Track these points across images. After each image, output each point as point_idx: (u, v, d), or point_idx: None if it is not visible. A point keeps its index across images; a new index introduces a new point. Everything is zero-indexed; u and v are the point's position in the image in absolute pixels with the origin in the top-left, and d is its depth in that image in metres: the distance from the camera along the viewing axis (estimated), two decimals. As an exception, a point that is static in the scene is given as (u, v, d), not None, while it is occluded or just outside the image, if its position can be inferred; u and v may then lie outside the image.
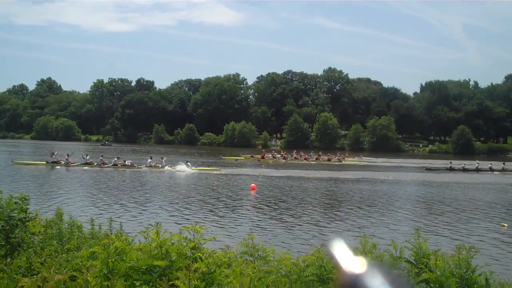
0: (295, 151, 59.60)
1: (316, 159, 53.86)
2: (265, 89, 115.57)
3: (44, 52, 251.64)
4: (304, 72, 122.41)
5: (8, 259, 4.73)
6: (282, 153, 58.22)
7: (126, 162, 37.85)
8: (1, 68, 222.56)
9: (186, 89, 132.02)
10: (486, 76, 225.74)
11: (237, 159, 51.66)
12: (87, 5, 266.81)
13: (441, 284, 4.00)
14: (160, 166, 37.11)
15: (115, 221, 8.54)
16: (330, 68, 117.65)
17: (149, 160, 38.32)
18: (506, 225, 16.52)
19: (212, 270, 4.05)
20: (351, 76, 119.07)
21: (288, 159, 53.83)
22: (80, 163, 37.68)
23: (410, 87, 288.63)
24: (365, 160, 58.36)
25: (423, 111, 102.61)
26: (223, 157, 53.48)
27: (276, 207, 19.93)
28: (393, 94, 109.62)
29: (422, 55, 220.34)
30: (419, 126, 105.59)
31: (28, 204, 5.45)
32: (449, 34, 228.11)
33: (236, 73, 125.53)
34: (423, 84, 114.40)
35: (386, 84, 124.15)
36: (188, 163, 36.66)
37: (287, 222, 16.47)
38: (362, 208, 20.15)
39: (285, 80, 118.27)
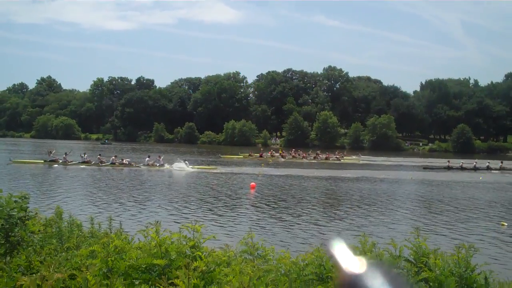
0: (293, 149, 59.62)
1: (314, 157, 53.84)
2: (265, 87, 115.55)
3: (44, 50, 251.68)
4: (304, 70, 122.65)
5: (8, 258, 4.73)
6: (280, 151, 58.19)
7: (124, 160, 37.89)
8: (1, 67, 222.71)
9: (186, 87, 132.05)
10: (486, 74, 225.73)
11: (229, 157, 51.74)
12: (87, 3, 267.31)
13: (440, 283, 4.00)
14: (158, 164, 37.12)
15: (115, 220, 8.54)
16: (330, 66, 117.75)
17: (147, 158, 38.32)
18: (506, 224, 16.52)
19: (212, 269, 4.05)
20: (351, 75, 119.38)
21: (286, 157, 53.83)
22: (77, 161, 37.70)
23: (410, 85, 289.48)
24: (363, 158, 58.40)
25: (423, 109, 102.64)
26: (221, 156, 53.54)
27: (276, 206, 19.93)
28: (393, 92, 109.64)
29: (422, 53, 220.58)
30: (419, 125, 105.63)
31: (28, 203, 5.45)
32: (449, 32, 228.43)
33: (236, 71, 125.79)
34: (423, 83, 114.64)
35: (386, 82, 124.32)
36: (186, 162, 36.68)
37: (286, 221, 16.48)
38: (362, 207, 20.16)
39: (285, 78, 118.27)
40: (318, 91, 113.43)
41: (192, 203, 20.12)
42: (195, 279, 3.60)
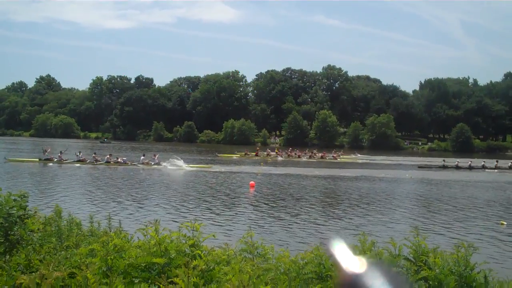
0: (290, 148, 59.70)
1: (310, 156, 53.86)
2: (264, 86, 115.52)
3: (43, 49, 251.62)
4: (303, 69, 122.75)
5: (7, 256, 4.73)
6: (276, 150, 58.16)
7: (119, 159, 37.95)
8: (0, 65, 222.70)
9: (185, 86, 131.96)
10: (486, 74, 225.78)
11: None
12: (86, 2, 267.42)
13: (440, 282, 4.00)
14: (152, 163, 37.11)
15: (114, 218, 8.54)
16: (329, 65, 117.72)
17: (142, 157, 38.31)
18: (505, 223, 16.53)
19: (211, 267, 4.05)
20: (350, 74, 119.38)
21: (282, 156, 53.83)
22: (72, 160, 37.72)
23: (409, 84, 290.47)
24: (360, 157, 58.44)
25: (422, 108, 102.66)
26: (218, 155, 53.62)
27: (275, 204, 19.92)
28: (392, 91, 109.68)
29: (421, 52, 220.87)
30: (418, 124, 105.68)
31: (27, 201, 5.44)
32: (448, 31, 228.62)
33: (235, 70, 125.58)
34: (422, 82, 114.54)
35: (385, 81, 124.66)
36: (177, 159, 36.85)
37: (286, 220, 16.48)
38: (361, 206, 20.16)
39: (284, 77, 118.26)
40: (318, 90, 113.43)
41: (191, 202, 20.11)
42: (194, 277, 3.60)
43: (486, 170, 44.15)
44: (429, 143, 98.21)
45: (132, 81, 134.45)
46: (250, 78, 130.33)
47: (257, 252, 4.77)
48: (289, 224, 15.58)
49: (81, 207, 17.05)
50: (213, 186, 25.98)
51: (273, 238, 12.61)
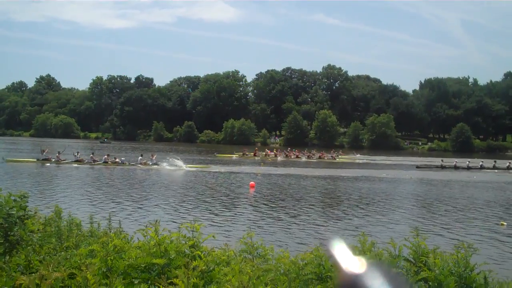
0: (289, 148, 59.84)
1: (308, 156, 53.88)
2: (264, 86, 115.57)
3: (43, 49, 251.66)
4: (303, 69, 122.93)
5: (7, 257, 4.72)
6: (274, 151, 58.15)
7: (117, 159, 38.01)
8: (0, 65, 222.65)
9: (185, 86, 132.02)
10: (486, 73, 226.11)
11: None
12: (85, 1, 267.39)
13: (440, 283, 4.00)
14: (150, 163, 37.12)
15: (114, 219, 8.53)
16: (329, 65, 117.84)
17: (140, 157, 38.34)
18: (505, 223, 16.52)
19: (211, 268, 4.05)
20: (350, 73, 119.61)
21: (281, 156, 53.80)
22: (70, 160, 37.74)
23: (409, 84, 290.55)
24: (359, 157, 58.47)
25: (422, 108, 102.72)
26: (216, 155, 53.66)
27: (275, 205, 19.92)
28: (392, 91, 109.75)
29: (421, 52, 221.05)
30: (418, 124, 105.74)
31: (27, 202, 5.44)
32: (448, 31, 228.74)
33: (235, 70, 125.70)
34: (422, 82, 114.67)
35: (385, 81, 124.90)
36: (180, 160, 36.90)
37: (286, 220, 16.48)
38: (360, 207, 20.16)
39: (284, 77, 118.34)
40: (317, 90, 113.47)
41: (191, 202, 20.10)
42: (194, 278, 3.59)
43: (484, 170, 44.18)
44: (429, 143, 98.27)
45: (132, 81, 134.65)
46: (250, 77, 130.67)
47: (257, 253, 4.77)
48: (289, 225, 15.58)
49: (80, 208, 17.02)
50: (212, 186, 25.97)
51: (273, 239, 12.61)
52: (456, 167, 44.95)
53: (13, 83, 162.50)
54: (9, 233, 4.92)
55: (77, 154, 38.64)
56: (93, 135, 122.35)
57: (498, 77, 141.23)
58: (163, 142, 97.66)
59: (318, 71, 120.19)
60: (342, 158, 56.08)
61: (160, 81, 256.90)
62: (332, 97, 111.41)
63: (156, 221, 4.50)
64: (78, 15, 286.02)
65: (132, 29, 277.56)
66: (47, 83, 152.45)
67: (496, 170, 44.19)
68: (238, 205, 19.92)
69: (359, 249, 4.43)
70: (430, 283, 4.06)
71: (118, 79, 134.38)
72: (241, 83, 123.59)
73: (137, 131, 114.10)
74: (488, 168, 44.88)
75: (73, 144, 69.39)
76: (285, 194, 23.33)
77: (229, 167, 38.74)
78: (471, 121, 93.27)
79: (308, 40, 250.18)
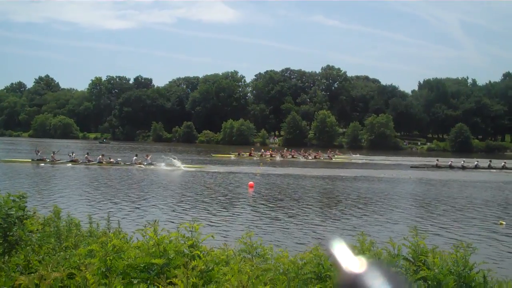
0: (285, 149, 59.89)
1: (304, 156, 53.89)
2: (263, 86, 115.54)
3: (42, 49, 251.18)
4: (302, 69, 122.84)
5: (6, 257, 4.72)
6: (270, 150, 58.14)
7: (111, 159, 38.03)
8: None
9: (184, 86, 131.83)
10: (485, 74, 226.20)
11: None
12: (85, 2, 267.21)
13: (439, 282, 4.00)
14: (145, 163, 37.09)
15: (112, 219, 8.53)
16: (328, 65, 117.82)
17: (134, 157, 38.29)
18: (504, 223, 16.54)
19: (210, 268, 4.05)
20: (349, 74, 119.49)
21: (277, 157, 53.80)
22: (65, 160, 37.74)
23: (408, 85, 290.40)
24: (354, 157, 58.52)
25: (421, 109, 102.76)
26: (213, 155, 53.71)
27: (274, 205, 19.92)
28: (391, 92, 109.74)
29: (420, 53, 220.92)
30: (417, 124, 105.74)
31: (26, 202, 5.44)
32: (447, 32, 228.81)
33: (234, 70, 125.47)
34: (421, 82, 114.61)
35: (384, 82, 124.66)
36: (177, 160, 36.95)
37: (285, 220, 16.48)
38: (359, 206, 20.17)
39: (283, 77, 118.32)
40: (316, 90, 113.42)
41: (189, 203, 20.09)
42: (193, 278, 3.60)
43: (479, 169, 44.23)
44: (428, 143, 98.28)
45: (131, 81, 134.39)
46: (249, 78, 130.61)
47: (256, 253, 4.77)
48: (288, 225, 15.58)
49: (78, 208, 16.98)
50: (211, 186, 25.95)
51: (272, 239, 12.61)
52: (451, 167, 45.04)
53: (12, 83, 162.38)
54: (8, 233, 4.92)
55: (72, 155, 38.66)
56: (92, 135, 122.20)
57: (497, 77, 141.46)
58: (162, 143, 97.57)
59: (317, 72, 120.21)
60: (339, 158, 56.21)
61: (159, 81, 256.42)
62: (331, 98, 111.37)
63: (155, 221, 4.50)
64: (77, 16, 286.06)
65: (132, 30, 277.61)
66: (46, 84, 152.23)
67: (491, 170, 44.22)
68: (237, 205, 19.91)
69: (358, 249, 4.43)
70: (429, 282, 4.06)
71: (117, 79, 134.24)
72: (240, 83, 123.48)
73: (136, 131, 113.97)
74: (483, 168, 44.94)
75: (71, 145, 69.42)
76: (284, 194, 23.33)
77: (227, 167, 38.72)
78: (470, 121, 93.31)
79: (307, 41, 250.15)
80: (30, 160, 37.92)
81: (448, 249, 4.58)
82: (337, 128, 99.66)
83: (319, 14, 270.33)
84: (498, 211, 19.95)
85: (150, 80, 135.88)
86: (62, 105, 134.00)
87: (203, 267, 3.83)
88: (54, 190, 22.63)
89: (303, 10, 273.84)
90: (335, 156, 56.76)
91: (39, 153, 38.34)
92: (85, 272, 3.64)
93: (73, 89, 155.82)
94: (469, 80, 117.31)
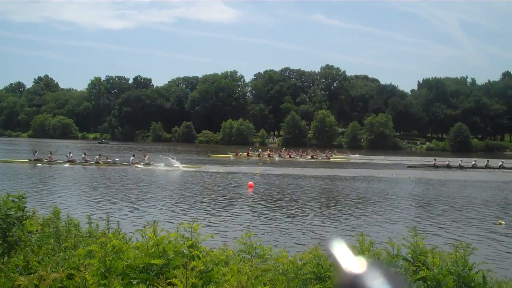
0: (283, 149, 59.95)
1: (301, 156, 53.91)
2: (262, 86, 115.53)
3: (41, 49, 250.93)
4: (302, 69, 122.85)
5: (5, 258, 4.72)
6: (267, 150, 58.16)
7: (108, 159, 38.05)
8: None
9: (184, 86, 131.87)
10: (484, 73, 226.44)
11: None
12: (84, 2, 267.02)
13: (438, 282, 4.00)
14: (142, 164, 37.06)
15: (112, 219, 8.53)
16: (327, 65, 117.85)
17: (132, 158, 38.28)
18: (503, 222, 16.55)
19: (210, 268, 4.05)
20: (348, 73, 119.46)
21: (275, 157, 53.77)
22: (62, 161, 37.75)
23: (407, 84, 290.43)
24: (352, 157, 58.58)
25: (420, 108, 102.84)
26: (211, 155, 53.71)
27: (274, 205, 19.92)
28: (391, 91, 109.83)
29: (419, 52, 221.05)
30: (416, 124, 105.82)
31: (25, 202, 5.43)
32: (447, 31, 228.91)
33: (233, 70, 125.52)
34: (420, 81, 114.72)
35: (383, 81, 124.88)
36: (176, 160, 36.97)
37: (284, 220, 16.48)
38: (358, 207, 20.19)
39: (282, 77, 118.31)
40: (316, 90, 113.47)
41: (189, 203, 20.09)
42: (193, 278, 3.59)
43: (477, 169, 44.28)
44: (427, 143, 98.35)
45: (130, 81, 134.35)
46: (248, 78, 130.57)
47: (256, 253, 4.77)
48: (287, 225, 15.58)
49: (77, 208, 16.97)
50: (210, 186, 25.95)
51: (271, 239, 12.62)
52: (448, 166, 45.07)
53: (11, 83, 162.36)
54: (7, 233, 4.91)
55: (69, 155, 38.72)
56: (92, 135, 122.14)
57: (496, 77, 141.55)
58: (161, 143, 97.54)
59: (317, 71, 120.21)
60: (337, 157, 56.26)
61: (159, 81, 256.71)
62: (330, 97, 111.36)
63: (154, 221, 4.50)
64: (76, 16, 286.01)
65: (131, 30, 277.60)
66: (45, 84, 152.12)
67: (489, 170, 44.26)
68: (236, 205, 19.92)
69: (357, 249, 4.43)
70: (429, 282, 4.06)
71: (116, 79, 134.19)
72: (239, 83, 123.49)
73: (135, 131, 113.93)
74: (481, 168, 44.97)
75: (70, 145, 69.37)
76: (283, 194, 23.33)
77: (226, 167, 38.72)
78: (469, 121, 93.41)
79: (307, 41, 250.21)
80: (27, 160, 37.93)
81: (448, 249, 4.58)
82: (337, 127, 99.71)
83: (318, 14, 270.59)
84: (497, 211, 19.97)
85: (150, 80, 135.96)
86: (62, 105, 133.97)
87: (202, 267, 3.82)
88: (53, 191, 22.62)
89: (303, 10, 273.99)
90: (333, 156, 56.82)
91: (36, 154, 38.35)
92: (85, 272, 3.64)
93: (73, 89, 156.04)
94: (469, 80, 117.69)
